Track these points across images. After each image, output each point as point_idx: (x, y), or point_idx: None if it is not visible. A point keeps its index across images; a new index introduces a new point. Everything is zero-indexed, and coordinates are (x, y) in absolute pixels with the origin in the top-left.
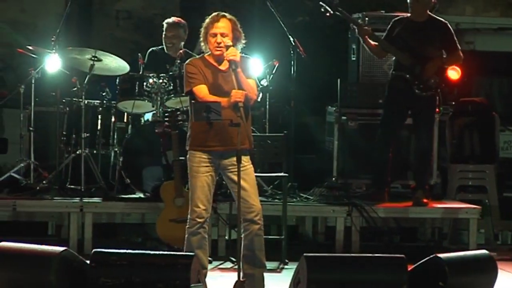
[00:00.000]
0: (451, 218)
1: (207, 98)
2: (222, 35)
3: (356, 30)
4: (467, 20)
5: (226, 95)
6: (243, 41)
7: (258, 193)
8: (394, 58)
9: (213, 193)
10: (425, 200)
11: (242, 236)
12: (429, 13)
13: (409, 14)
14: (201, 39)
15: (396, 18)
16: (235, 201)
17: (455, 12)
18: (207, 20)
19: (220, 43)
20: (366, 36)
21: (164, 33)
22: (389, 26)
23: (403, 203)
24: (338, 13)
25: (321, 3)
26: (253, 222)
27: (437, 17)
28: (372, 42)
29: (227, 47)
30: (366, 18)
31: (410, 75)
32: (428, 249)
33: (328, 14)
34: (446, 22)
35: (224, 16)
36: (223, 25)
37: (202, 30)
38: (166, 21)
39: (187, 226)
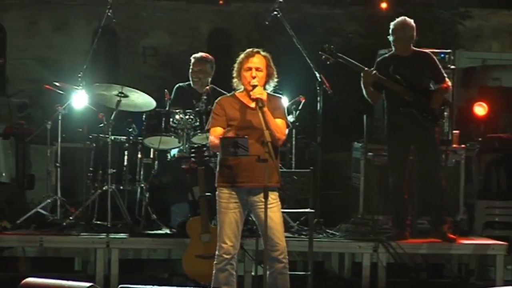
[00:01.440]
0: (478, 254)
1: (215, 141)
2: (257, 69)
3: (363, 75)
4: (493, 56)
5: (255, 132)
6: (276, 79)
7: (285, 229)
8: (385, 97)
9: (241, 229)
10: (451, 236)
11: (268, 273)
12: (412, 47)
13: (391, 52)
14: (234, 74)
15: (380, 58)
16: (262, 237)
17: (482, 48)
18: (241, 56)
19: (255, 77)
20: (369, 83)
21: (191, 67)
22: (375, 67)
23: (430, 239)
24: (340, 60)
25: (320, 52)
26: (277, 261)
27: (420, 50)
28: (372, 89)
29: (253, 86)
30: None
31: (416, 109)
32: (455, 285)
33: (328, 62)
34: (430, 52)
35: (258, 52)
36: (258, 61)
37: (236, 65)
38: (193, 56)
39: (215, 262)
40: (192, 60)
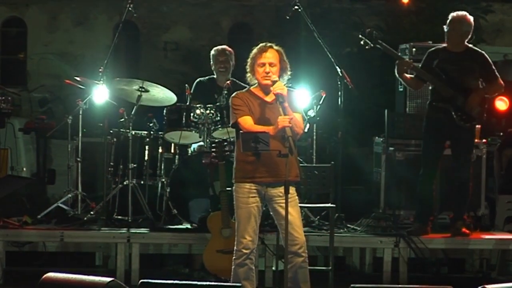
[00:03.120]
0: (500, 249)
1: (253, 129)
2: (271, 64)
3: (397, 63)
4: None
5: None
6: (289, 72)
7: (306, 224)
8: (430, 88)
9: (259, 224)
10: (465, 230)
11: (288, 267)
12: (466, 43)
13: (445, 45)
14: (248, 69)
15: (432, 49)
16: (280, 232)
17: (503, 43)
18: (254, 51)
19: (269, 72)
20: (404, 72)
21: (216, 59)
22: (425, 56)
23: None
24: (378, 46)
25: (360, 36)
26: (296, 255)
27: (475, 48)
28: (408, 75)
29: (273, 82)
30: (414, 49)
31: (452, 107)
32: (476, 280)
33: (367, 47)
34: (484, 52)
35: (271, 47)
36: (271, 55)
37: (249, 61)
38: (215, 48)
39: (234, 257)
40: (215, 52)
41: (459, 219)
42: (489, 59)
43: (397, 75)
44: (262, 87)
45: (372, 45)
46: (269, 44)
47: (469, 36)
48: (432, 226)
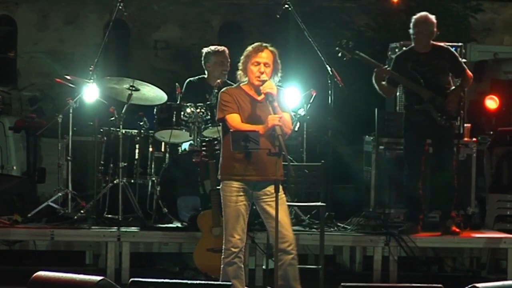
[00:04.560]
0: (490, 247)
1: (240, 127)
2: (265, 65)
3: (375, 72)
4: (505, 49)
5: (263, 124)
6: (280, 74)
7: (296, 223)
8: (405, 92)
9: (248, 222)
10: (455, 229)
11: (278, 265)
12: (432, 42)
13: (410, 46)
14: (240, 67)
15: (399, 54)
16: (269, 230)
17: (493, 41)
18: (249, 49)
19: (263, 72)
20: (382, 79)
21: (213, 62)
22: (394, 61)
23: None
24: (356, 57)
25: (337, 48)
26: (286, 252)
27: (440, 44)
28: (384, 82)
29: (263, 81)
30: (404, 48)
31: (433, 108)
32: (467, 279)
33: (345, 58)
34: (449, 47)
35: (267, 47)
36: (266, 56)
37: (243, 59)
38: (215, 49)
39: (223, 256)
40: (215, 53)
41: (448, 217)
42: (456, 53)
43: (374, 83)
44: (253, 86)
45: (350, 56)
46: (264, 44)
47: (434, 35)
48: (422, 224)
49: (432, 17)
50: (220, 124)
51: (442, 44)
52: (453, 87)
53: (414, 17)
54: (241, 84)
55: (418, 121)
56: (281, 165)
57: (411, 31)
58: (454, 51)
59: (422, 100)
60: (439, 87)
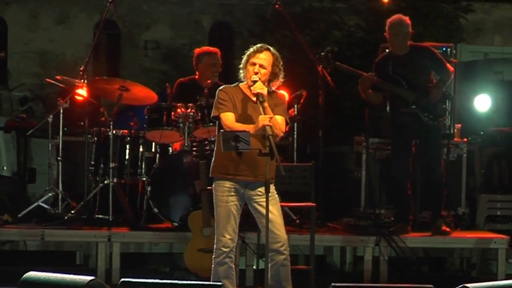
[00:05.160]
0: (480, 248)
1: (233, 126)
2: (261, 66)
3: (360, 81)
4: (495, 50)
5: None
6: (281, 79)
7: (286, 223)
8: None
9: (238, 222)
10: (446, 228)
11: (269, 265)
12: (409, 42)
13: (388, 50)
14: (241, 66)
15: (378, 59)
16: (261, 230)
17: (484, 42)
18: (250, 49)
19: (257, 73)
20: (367, 88)
21: (205, 63)
22: (374, 68)
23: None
24: (338, 67)
25: (318, 60)
26: (278, 253)
27: (417, 44)
28: (370, 90)
29: (254, 82)
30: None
31: (418, 109)
32: (457, 279)
33: (328, 70)
34: (427, 45)
35: (267, 49)
36: (264, 57)
37: (244, 58)
38: (206, 51)
39: (213, 256)
40: (206, 55)
41: (439, 217)
42: (433, 49)
43: (360, 93)
44: (249, 86)
45: (331, 67)
46: (266, 46)
47: (410, 35)
48: (413, 225)
49: (406, 18)
50: (212, 122)
51: (419, 43)
52: (434, 82)
53: (389, 20)
54: (240, 84)
55: (405, 123)
56: (273, 166)
57: (387, 34)
58: (432, 48)
59: (407, 103)
60: (421, 87)
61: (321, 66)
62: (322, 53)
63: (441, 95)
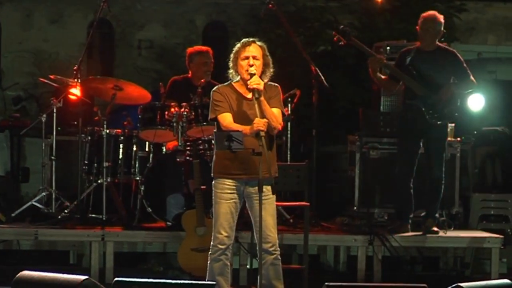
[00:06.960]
0: (474, 247)
1: (231, 127)
2: (254, 58)
3: (369, 61)
4: (489, 49)
5: (251, 123)
6: (272, 69)
7: (280, 222)
8: (403, 88)
9: (236, 221)
10: (436, 229)
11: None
12: (438, 43)
13: (417, 44)
14: (230, 65)
15: (404, 49)
16: (254, 229)
17: (477, 41)
18: (237, 46)
19: (252, 65)
20: (376, 69)
21: (197, 62)
22: (398, 56)
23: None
24: (352, 43)
25: (334, 32)
26: (267, 253)
27: (446, 47)
28: (383, 76)
29: (251, 75)
30: (388, 47)
31: (423, 105)
32: (450, 278)
33: (341, 43)
34: (455, 50)
35: (254, 42)
36: (254, 49)
37: (232, 56)
38: (198, 50)
39: (210, 252)
40: (198, 54)
41: (430, 217)
42: (461, 57)
43: (372, 76)
44: (244, 82)
45: (345, 41)
46: (252, 39)
47: (440, 35)
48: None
49: (441, 17)
50: (205, 122)
51: (449, 47)
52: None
53: (423, 15)
54: (233, 82)
55: (411, 118)
56: (273, 163)
57: (418, 28)
58: (460, 56)
59: (415, 96)
60: (435, 86)
61: (336, 37)
62: (342, 27)
63: (450, 95)
